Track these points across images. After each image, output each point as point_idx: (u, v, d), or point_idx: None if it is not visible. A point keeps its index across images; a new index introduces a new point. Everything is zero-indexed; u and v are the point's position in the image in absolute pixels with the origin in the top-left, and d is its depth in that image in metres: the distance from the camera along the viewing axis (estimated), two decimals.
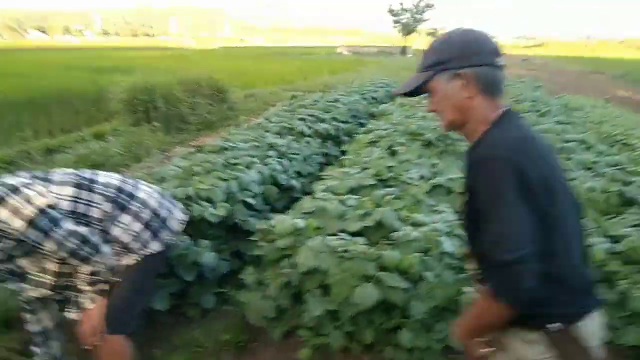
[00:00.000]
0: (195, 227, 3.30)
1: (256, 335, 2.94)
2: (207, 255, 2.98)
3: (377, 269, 2.48)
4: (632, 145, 6.37)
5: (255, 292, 2.82)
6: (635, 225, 3.34)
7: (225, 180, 3.71)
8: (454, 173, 4.10)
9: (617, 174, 4.27)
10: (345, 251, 2.57)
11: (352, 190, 3.76)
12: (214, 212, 3.26)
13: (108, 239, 2.02)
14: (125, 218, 2.05)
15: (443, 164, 4.33)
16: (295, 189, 4.45)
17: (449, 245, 2.70)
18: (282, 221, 2.83)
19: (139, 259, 2.10)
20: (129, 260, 2.09)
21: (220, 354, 2.90)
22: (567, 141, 5.47)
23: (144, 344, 2.88)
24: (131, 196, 2.09)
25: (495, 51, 1.31)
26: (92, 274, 1.96)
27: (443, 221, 3.06)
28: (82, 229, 1.89)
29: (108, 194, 2.04)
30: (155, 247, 2.12)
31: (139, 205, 2.09)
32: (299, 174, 4.81)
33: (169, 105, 8.40)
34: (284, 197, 4.35)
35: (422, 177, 3.97)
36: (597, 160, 4.85)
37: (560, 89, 16.15)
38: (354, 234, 2.91)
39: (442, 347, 2.49)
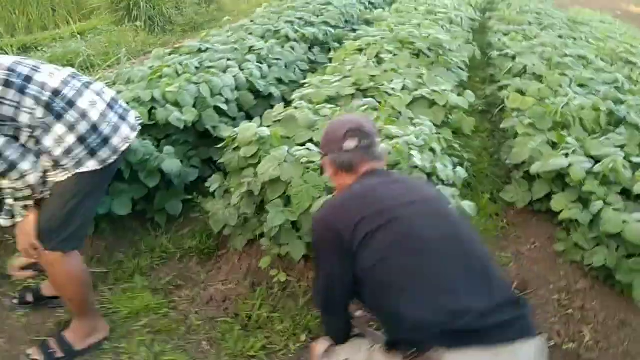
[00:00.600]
0: (160, 132, 3.16)
1: (222, 242, 2.91)
2: (170, 162, 2.87)
3: None
4: (635, 63, 6.08)
5: (219, 201, 2.74)
6: (619, 146, 3.22)
7: (195, 83, 3.51)
8: (440, 85, 3.89)
9: (610, 92, 4.07)
10: (310, 162, 2.45)
11: (330, 100, 3.58)
12: (181, 117, 3.10)
13: (40, 149, 1.84)
14: (60, 128, 1.82)
15: (430, 76, 4.10)
16: (275, 96, 4.25)
17: (418, 159, 2.57)
18: (246, 129, 2.68)
19: (70, 176, 1.88)
20: (58, 177, 1.89)
21: (184, 259, 2.88)
22: (565, 56, 5.19)
23: (108, 247, 2.87)
24: (70, 103, 1.84)
25: (342, 139, 1.66)
26: (13, 189, 1.83)
27: (418, 134, 2.91)
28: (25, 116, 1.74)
29: (42, 97, 1.79)
30: (90, 165, 1.87)
31: (77, 115, 1.84)
32: (280, 81, 4.57)
33: (153, 4, 7.92)
34: (262, 105, 4.15)
35: (404, 88, 3.76)
36: (594, 78, 4.62)
37: (570, 2, 15.33)
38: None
39: None
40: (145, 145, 2.85)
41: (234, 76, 3.90)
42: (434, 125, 3.58)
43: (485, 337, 1.31)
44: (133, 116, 2.11)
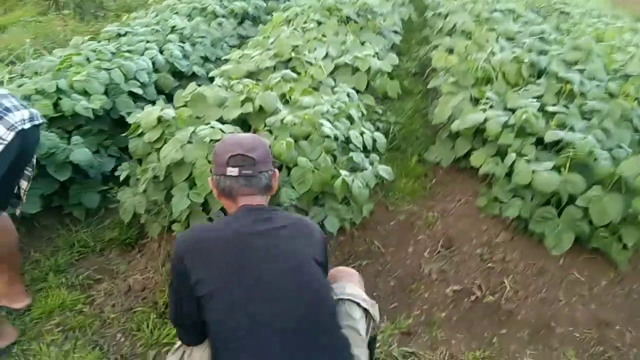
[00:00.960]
0: (69, 124, 3.04)
1: (143, 231, 2.83)
2: (79, 152, 2.76)
3: None
4: (569, 13, 6.12)
5: (129, 189, 2.66)
6: (537, 97, 3.23)
7: (107, 69, 3.37)
8: (364, 50, 3.84)
9: (534, 43, 4.08)
10: (216, 140, 2.38)
11: (250, 75, 3.49)
12: (88, 106, 2.97)
13: None
14: None
15: (357, 42, 4.03)
16: (200, 76, 4.13)
17: (329, 127, 2.53)
18: (149, 113, 2.58)
19: None
20: None
21: (105, 252, 2.80)
22: (494, 11, 5.17)
23: (23, 248, 2.76)
24: None
25: (225, 164, 1.52)
26: None
27: (333, 103, 2.86)
28: None
29: None
30: None
31: None
32: (206, 59, 4.45)
33: None
34: (187, 86, 4.04)
35: (327, 56, 3.69)
36: (521, 31, 4.62)
37: None
38: (235, 122, 2.71)
39: None
40: (50, 138, 2.72)
41: (151, 58, 3.77)
42: (357, 91, 3.55)
43: None
44: (17, 116, 1.94)
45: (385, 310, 2.41)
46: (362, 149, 2.86)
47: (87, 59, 3.47)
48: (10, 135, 1.83)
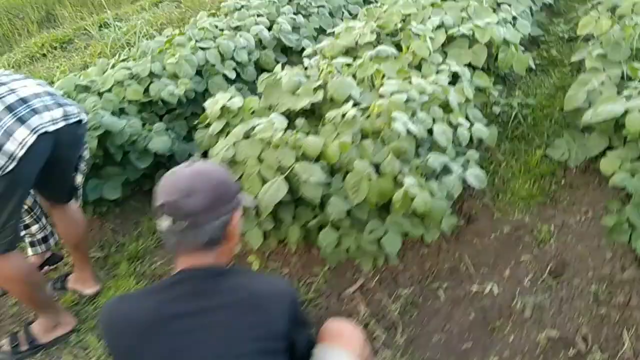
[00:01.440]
0: (160, 108, 3.05)
1: None
2: (158, 140, 2.73)
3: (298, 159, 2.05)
4: None
5: None
6: None
7: (203, 49, 3.31)
8: (487, 17, 3.19)
9: None
10: (265, 139, 2.14)
11: (348, 52, 3.14)
12: (174, 91, 2.94)
13: None
14: None
15: (480, 7, 3.37)
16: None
17: (403, 124, 2.10)
18: (215, 101, 2.42)
19: None
20: None
21: None
22: None
23: (114, 229, 2.89)
24: None
25: (158, 212, 1.22)
26: None
27: (422, 89, 2.39)
28: None
29: None
30: None
31: None
32: (321, 31, 4.17)
33: None
34: (297, 62, 3.83)
35: (441, 26, 3.14)
36: None
37: None
38: (305, 113, 2.43)
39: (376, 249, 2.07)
40: (132, 125, 2.74)
41: (255, 35, 3.61)
42: (474, 69, 2.98)
43: None
44: (46, 117, 1.87)
45: (454, 351, 1.99)
46: (457, 145, 2.38)
47: (190, 39, 3.45)
48: (32, 138, 1.79)
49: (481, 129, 2.44)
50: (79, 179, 2.18)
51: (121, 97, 2.89)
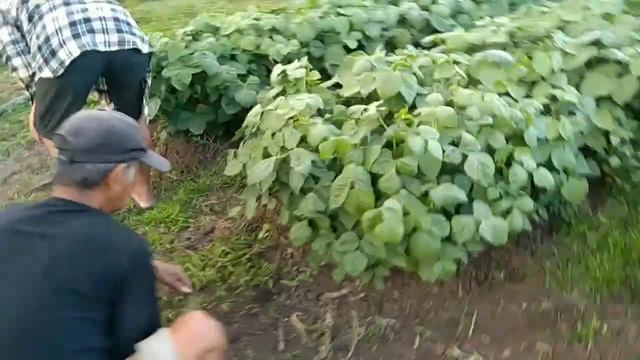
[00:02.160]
0: (269, 62, 3.14)
1: None
2: (244, 93, 2.84)
3: None
4: None
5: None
6: None
7: (343, 15, 3.27)
8: None
9: None
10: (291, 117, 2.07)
11: (473, 48, 2.76)
12: (281, 51, 2.99)
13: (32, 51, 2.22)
14: (33, 36, 2.18)
15: None
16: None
17: (421, 142, 1.79)
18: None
19: (39, 80, 2.22)
20: (35, 78, 2.26)
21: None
22: None
23: (185, 162, 3.17)
24: (41, 17, 2.17)
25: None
26: (20, 78, 2.27)
27: (490, 109, 2.00)
28: (6, 38, 2.18)
29: (27, 11, 2.19)
30: (45, 73, 2.17)
31: (41, 26, 2.16)
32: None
33: None
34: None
35: (594, 44, 2.51)
36: None
37: None
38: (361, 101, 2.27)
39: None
40: (231, 72, 2.91)
41: (401, 13, 3.42)
42: (616, 104, 2.38)
43: None
44: (99, 38, 2.19)
45: None
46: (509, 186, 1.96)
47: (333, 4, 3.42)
48: (77, 52, 2.11)
49: (544, 176, 1.95)
50: (144, 103, 2.46)
51: (237, 44, 3.07)
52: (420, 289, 2.11)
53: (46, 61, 2.16)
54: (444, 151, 1.84)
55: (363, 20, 3.25)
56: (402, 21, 3.46)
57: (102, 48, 2.18)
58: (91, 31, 2.18)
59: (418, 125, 1.89)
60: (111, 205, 1.40)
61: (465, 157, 1.88)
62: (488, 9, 3.72)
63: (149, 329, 1.29)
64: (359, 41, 3.21)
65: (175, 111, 2.97)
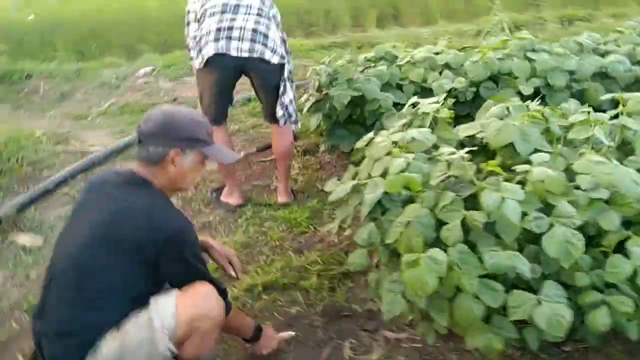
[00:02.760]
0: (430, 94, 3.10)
1: None
2: (392, 119, 2.86)
3: None
4: None
5: None
6: None
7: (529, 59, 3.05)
8: None
9: None
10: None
11: None
12: (443, 85, 2.93)
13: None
14: (198, 32, 2.65)
15: None
16: None
17: (514, 210, 1.61)
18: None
19: (196, 68, 2.71)
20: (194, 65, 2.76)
21: None
22: None
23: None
24: (204, 19, 2.61)
25: None
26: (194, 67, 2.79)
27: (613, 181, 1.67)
28: (192, 33, 2.73)
29: (202, 12, 2.66)
30: (196, 64, 2.66)
31: (202, 26, 2.62)
32: None
33: None
34: None
35: None
36: None
37: None
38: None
39: None
40: (387, 98, 2.98)
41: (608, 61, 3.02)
42: None
43: None
44: (237, 44, 2.57)
45: None
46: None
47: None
48: (210, 53, 2.56)
49: None
50: (278, 108, 2.76)
51: (406, 74, 3.15)
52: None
53: (197, 55, 2.66)
54: (525, 214, 1.63)
55: (549, 67, 2.96)
56: (603, 75, 3.02)
57: (233, 53, 2.58)
58: (229, 38, 2.57)
59: (506, 181, 1.72)
60: (171, 184, 1.68)
61: (550, 227, 1.62)
62: None
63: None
64: (537, 89, 2.94)
65: (333, 127, 3.19)
